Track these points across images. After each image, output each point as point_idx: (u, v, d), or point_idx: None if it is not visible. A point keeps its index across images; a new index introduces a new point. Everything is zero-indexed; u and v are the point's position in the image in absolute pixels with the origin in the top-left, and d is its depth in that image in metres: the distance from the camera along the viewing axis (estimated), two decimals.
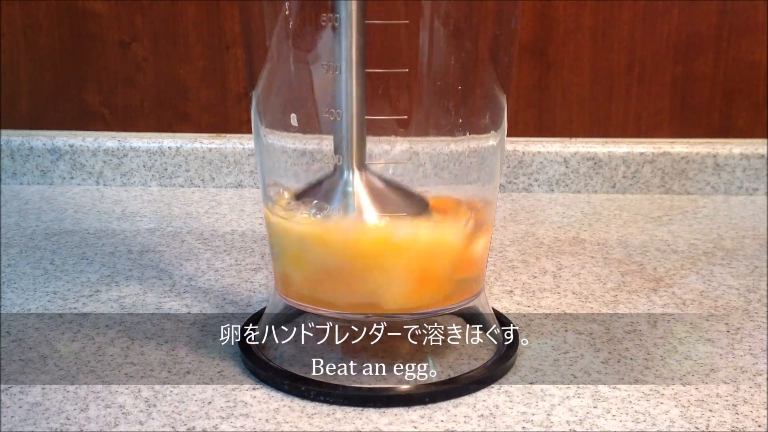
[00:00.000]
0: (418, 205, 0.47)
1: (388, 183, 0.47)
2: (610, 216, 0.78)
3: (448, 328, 0.53)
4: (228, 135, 0.87)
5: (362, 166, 0.47)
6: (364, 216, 0.46)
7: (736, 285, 0.62)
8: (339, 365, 0.48)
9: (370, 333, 0.51)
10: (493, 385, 0.48)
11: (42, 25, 0.86)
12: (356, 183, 0.46)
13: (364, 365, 0.49)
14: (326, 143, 0.47)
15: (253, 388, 0.47)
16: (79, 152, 0.86)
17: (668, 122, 0.86)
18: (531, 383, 0.48)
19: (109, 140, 0.86)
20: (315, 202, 0.47)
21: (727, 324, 0.56)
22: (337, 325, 0.51)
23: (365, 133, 0.46)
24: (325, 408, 0.45)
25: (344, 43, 0.44)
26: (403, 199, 0.48)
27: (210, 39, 0.86)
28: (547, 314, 0.57)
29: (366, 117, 0.45)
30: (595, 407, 0.45)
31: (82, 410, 0.45)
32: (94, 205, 0.80)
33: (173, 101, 0.88)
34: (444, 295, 0.48)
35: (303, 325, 0.52)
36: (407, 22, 0.44)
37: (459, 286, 0.49)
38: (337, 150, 0.46)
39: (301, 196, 0.48)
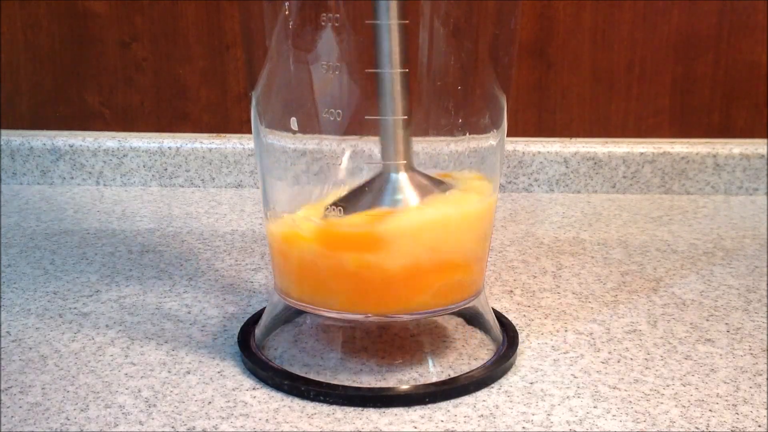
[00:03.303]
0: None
1: (432, 179, 0.47)
2: (610, 216, 0.78)
3: (448, 328, 0.53)
4: (228, 135, 0.87)
5: (410, 168, 0.46)
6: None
7: (736, 285, 0.62)
8: (339, 365, 0.48)
9: (370, 333, 0.52)
10: (493, 385, 0.48)
11: (42, 25, 0.86)
12: (404, 183, 0.46)
13: (364, 365, 0.49)
14: (326, 143, 0.47)
15: (253, 388, 0.47)
16: (79, 152, 0.86)
17: (668, 122, 0.86)
18: (531, 383, 0.48)
19: (109, 140, 0.86)
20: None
21: (727, 324, 0.56)
22: (337, 325, 0.51)
23: (410, 134, 0.46)
24: (325, 408, 0.45)
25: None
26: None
27: (210, 39, 0.86)
28: (547, 314, 0.57)
29: (366, 117, 0.45)
30: (595, 407, 0.45)
31: (82, 410, 0.45)
32: (94, 205, 0.80)
33: (173, 101, 0.88)
34: (443, 295, 0.48)
35: (303, 325, 0.52)
36: (407, 22, 0.44)
37: (458, 286, 0.49)
38: (384, 154, 0.46)
39: (345, 201, 0.48)
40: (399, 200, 0.46)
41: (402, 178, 0.46)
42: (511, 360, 0.49)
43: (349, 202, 0.46)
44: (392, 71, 0.44)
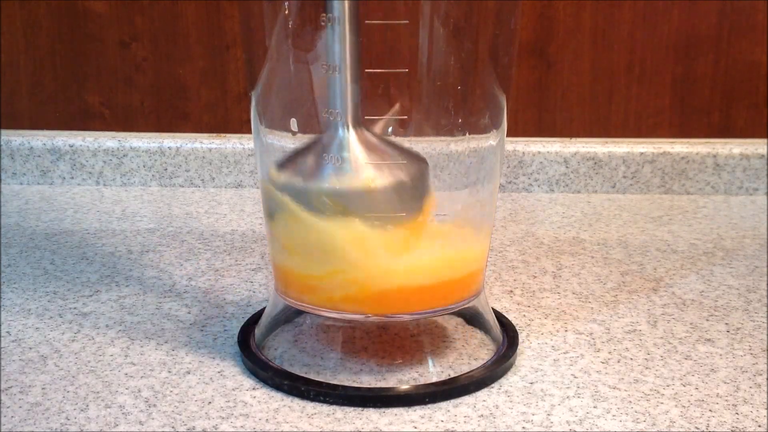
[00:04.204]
0: (418, 161, 0.47)
1: (386, 141, 0.47)
2: (610, 216, 0.78)
3: (448, 328, 0.53)
4: (228, 135, 0.87)
5: (358, 124, 0.45)
6: (361, 173, 0.45)
7: (736, 285, 0.62)
8: (339, 365, 0.48)
9: (370, 333, 0.52)
10: (493, 385, 0.48)
11: (42, 25, 0.86)
12: (352, 140, 0.45)
13: (364, 365, 0.49)
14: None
15: (253, 388, 0.47)
16: (79, 152, 0.86)
17: (668, 122, 0.86)
18: (531, 383, 0.48)
19: (109, 140, 0.86)
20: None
21: (727, 324, 0.56)
22: (337, 325, 0.51)
23: (359, 89, 0.44)
24: (325, 408, 0.45)
25: (344, 43, 0.44)
26: (402, 154, 0.47)
27: (210, 39, 0.86)
28: (547, 314, 0.57)
29: (366, 117, 0.45)
30: (595, 407, 0.45)
31: (82, 410, 0.45)
32: (94, 205, 0.80)
33: (173, 101, 0.88)
34: (444, 295, 0.48)
35: (303, 325, 0.52)
36: (407, 22, 0.44)
37: (459, 285, 0.49)
38: (330, 105, 0.45)
39: (293, 158, 0.47)
40: (345, 158, 0.45)
41: (351, 136, 0.45)
42: (511, 360, 0.49)
43: (294, 163, 0.46)
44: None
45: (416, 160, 0.47)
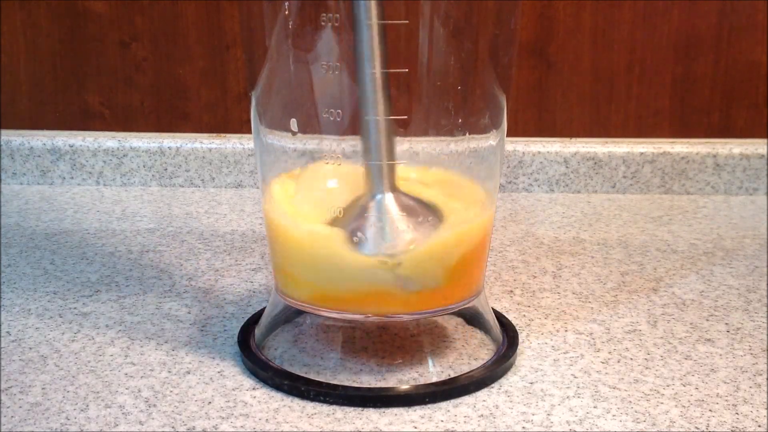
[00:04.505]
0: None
1: (419, 200, 0.47)
2: (610, 216, 0.78)
3: (448, 328, 0.53)
4: (228, 135, 0.87)
5: (394, 188, 0.46)
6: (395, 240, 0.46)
7: (736, 285, 0.62)
8: (339, 365, 0.48)
9: (370, 333, 0.52)
10: (493, 385, 0.48)
11: (42, 25, 0.86)
12: (390, 205, 0.46)
13: (364, 365, 0.49)
14: (326, 143, 0.47)
15: (253, 388, 0.47)
16: (79, 152, 0.86)
17: (668, 122, 0.86)
18: (531, 383, 0.48)
19: (109, 140, 0.86)
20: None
21: (727, 324, 0.56)
22: (337, 325, 0.51)
23: (395, 152, 0.45)
24: (325, 408, 0.45)
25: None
26: (435, 213, 0.47)
27: (210, 39, 0.86)
28: (547, 314, 0.57)
29: (365, 117, 0.45)
30: (595, 407, 0.45)
31: (82, 410, 0.45)
32: (94, 205, 0.80)
33: (173, 101, 0.88)
34: (444, 295, 0.48)
35: (303, 325, 0.52)
36: (407, 22, 0.44)
37: (458, 286, 0.49)
38: (367, 172, 0.45)
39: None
40: (386, 223, 0.46)
41: (388, 199, 0.46)
42: (511, 360, 0.49)
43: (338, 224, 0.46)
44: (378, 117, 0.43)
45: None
